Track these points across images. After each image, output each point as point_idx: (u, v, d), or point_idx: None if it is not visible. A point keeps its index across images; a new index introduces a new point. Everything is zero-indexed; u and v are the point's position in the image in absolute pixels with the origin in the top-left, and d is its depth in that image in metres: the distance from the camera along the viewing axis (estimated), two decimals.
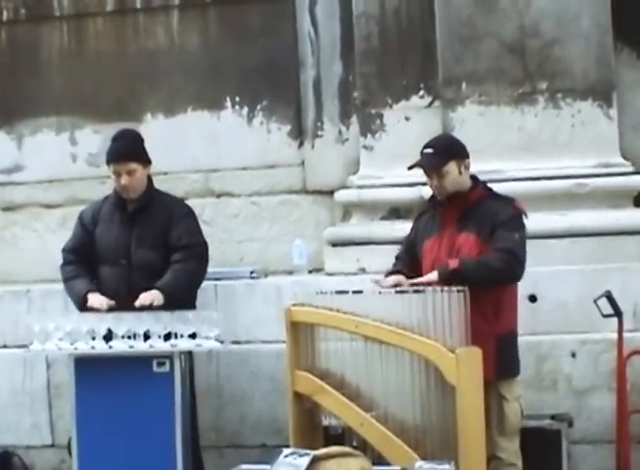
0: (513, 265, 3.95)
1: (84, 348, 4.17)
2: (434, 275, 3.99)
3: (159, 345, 4.12)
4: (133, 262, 4.50)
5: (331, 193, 5.42)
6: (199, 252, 4.56)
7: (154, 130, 5.44)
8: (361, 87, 5.22)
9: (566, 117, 4.89)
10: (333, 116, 5.39)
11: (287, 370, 3.97)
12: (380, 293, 3.78)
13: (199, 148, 5.51)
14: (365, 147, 5.23)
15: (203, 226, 4.75)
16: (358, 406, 3.75)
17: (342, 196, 5.26)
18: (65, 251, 4.71)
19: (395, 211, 5.17)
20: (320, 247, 5.28)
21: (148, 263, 4.48)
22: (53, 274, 5.61)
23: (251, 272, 5.09)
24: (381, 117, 5.21)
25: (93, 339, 4.23)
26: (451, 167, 4.11)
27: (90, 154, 5.65)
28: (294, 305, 4.00)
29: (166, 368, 4.13)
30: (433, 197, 4.24)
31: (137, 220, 4.54)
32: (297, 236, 5.40)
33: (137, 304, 4.31)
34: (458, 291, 3.60)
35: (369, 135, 5.23)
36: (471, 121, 4.99)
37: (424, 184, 5.12)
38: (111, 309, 4.38)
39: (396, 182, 5.13)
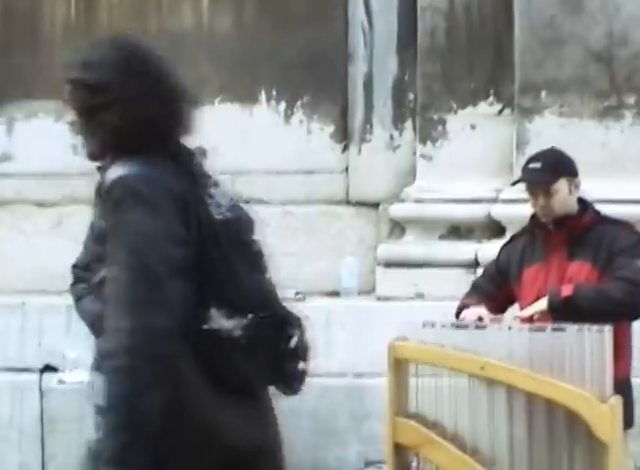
0: (638, 299, 3.56)
1: None
2: (542, 304, 3.61)
3: None
4: None
5: (376, 205, 4.96)
6: None
7: None
8: (422, 89, 4.80)
9: None
10: (384, 118, 4.92)
11: (386, 417, 3.49)
12: (509, 328, 3.37)
13: (226, 146, 4.92)
14: (423, 156, 4.80)
15: None
16: (477, 463, 3.33)
17: (397, 210, 4.80)
18: (76, 267, 4.01)
19: (456, 230, 4.76)
20: (362, 266, 4.83)
21: None
22: (44, 285, 4.99)
23: (296, 293, 4.59)
24: (443, 123, 4.79)
25: None
26: (561, 186, 3.71)
27: None
28: (396, 339, 3.53)
29: None
30: (533, 219, 3.87)
31: None
32: (337, 252, 4.91)
33: None
34: (607, 330, 3.22)
35: (428, 143, 4.79)
36: (549, 134, 4.62)
37: (490, 201, 4.78)
38: None
39: (459, 197, 4.73)
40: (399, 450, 3.54)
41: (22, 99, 5.02)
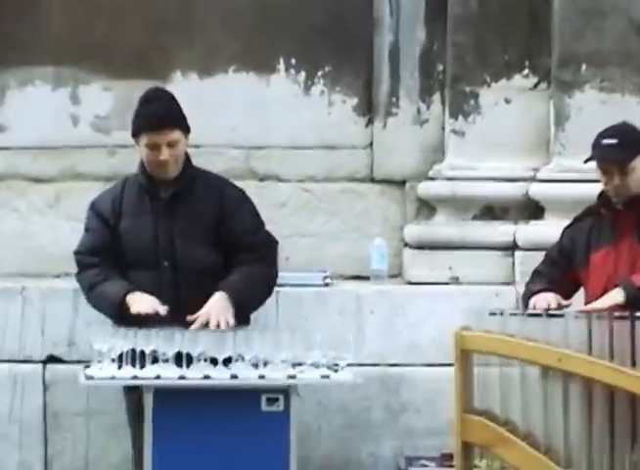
0: None
1: (170, 375, 3.25)
2: (618, 296, 3.43)
3: (273, 375, 3.30)
4: (179, 264, 3.64)
5: (402, 183, 4.71)
6: (273, 253, 3.78)
7: (184, 93, 4.45)
8: (453, 59, 4.54)
9: None
10: (411, 90, 4.64)
11: (454, 414, 3.28)
12: (588, 317, 3.16)
13: (240, 118, 4.62)
14: (454, 131, 4.55)
15: None
16: (552, 462, 3.12)
17: (427, 189, 4.56)
18: (80, 253, 3.74)
19: (489, 211, 4.54)
20: (388, 248, 4.59)
21: (199, 264, 3.64)
22: (40, 268, 4.63)
23: (324, 278, 4.33)
24: (476, 97, 4.54)
25: (153, 361, 3.37)
26: (638, 163, 3.53)
27: (97, 116, 4.65)
28: (462, 328, 3.30)
29: (280, 406, 3.30)
30: (600, 198, 3.67)
31: (178, 208, 3.68)
32: (360, 233, 4.67)
33: (197, 323, 3.47)
34: None
35: (460, 117, 4.55)
36: (589, 110, 4.41)
37: (527, 180, 4.57)
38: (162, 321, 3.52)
39: (494, 175, 4.51)
40: (468, 449, 3.36)
41: (17, 64, 4.61)
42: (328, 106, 4.68)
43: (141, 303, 3.50)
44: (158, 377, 3.27)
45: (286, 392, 3.33)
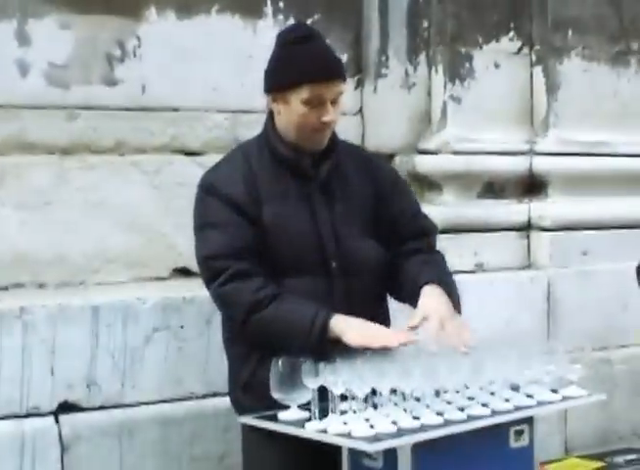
0: None
1: (431, 422, 2.60)
2: None
3: (519, 402, 2.81)
4: (349, 264, 2.90)
5: (391, 157, 4.30)
6: (436, 242, 3.19)
7: (159, 36, 3.70)
8: (450, 16, 4.28)
9: None
10: (399, 49, 4.25)
11: None
12: None
13: (225, 72, 3.84)
14: (452, 98, 4.30)
15: None
16: None
17: (431, 163, 4.22)
18: (218, 258, 2.81)
19: (490, 187, 4.35)
20: None
21: (369, 262, 2.94)
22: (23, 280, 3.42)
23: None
24: (470, 59, 4.34)
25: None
26: None
27: (52, 64, 3.55)
28: None
29: (525, 440, 2.84)
30: None
31: (333, 190, 2.95)
32: None
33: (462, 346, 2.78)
34: None
35: (457, 82, 4.30)
36: (575, 79, 4.48)
37: (525, 153, 4.44)
38: None
39: (494, 149, 4.34)
40: None
41: None
42: None
43: (373, 333, 2.71)
44: (422, 427, 2.60)
45: (530, 422, 2.86)
